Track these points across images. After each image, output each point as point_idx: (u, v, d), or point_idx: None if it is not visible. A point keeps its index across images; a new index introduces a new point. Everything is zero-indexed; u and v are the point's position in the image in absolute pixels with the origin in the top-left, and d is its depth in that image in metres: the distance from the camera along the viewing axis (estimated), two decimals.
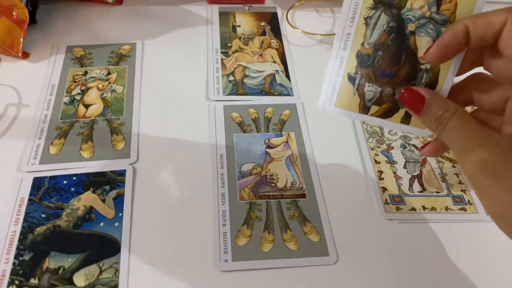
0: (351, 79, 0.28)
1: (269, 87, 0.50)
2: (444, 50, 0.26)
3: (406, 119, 0.28)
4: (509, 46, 0.24)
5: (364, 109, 0.28)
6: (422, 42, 0.27)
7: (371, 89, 0.28)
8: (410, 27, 0.26)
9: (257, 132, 0.46)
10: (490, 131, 0.25)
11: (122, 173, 0.41)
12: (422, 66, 0.28)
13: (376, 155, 0.44)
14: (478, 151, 0.24)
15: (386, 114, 0.28)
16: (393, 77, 0.28)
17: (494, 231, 0.39)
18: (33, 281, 0.34)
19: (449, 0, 0.26)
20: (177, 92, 0.49)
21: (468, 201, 0.41)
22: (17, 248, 0.36)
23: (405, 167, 0.44)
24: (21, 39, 0.50)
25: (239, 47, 0.54)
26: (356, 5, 0.27)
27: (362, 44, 0.27)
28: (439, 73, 0.28)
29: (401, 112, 0.28)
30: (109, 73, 0.50)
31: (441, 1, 0.26)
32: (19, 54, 0.51)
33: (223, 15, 0.58)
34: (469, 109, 0.30)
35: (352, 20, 0.27)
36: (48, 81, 0.49)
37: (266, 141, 0.45)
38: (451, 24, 0.26)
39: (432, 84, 0.28)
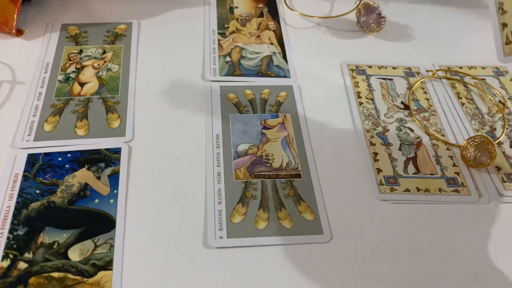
0: None
1: (266, 68, 0.50)
2: None
3: None
4: None
5: None
6: None
7: None
8: None
9: (254, 113, 0.46)
10: None
11: (117, 151, 0.41)
12: None
13: (372, 137, 0.44)
14: None
15: None
16: None
17: (486, 212, 0.40)
18: (28, 255, 0.34)
19: None
20: (173, 72, 0.49)
21: (462, 183, 0.41)
22: (11, 223, 0.36)
23: (400, 149, 0.44)
24: (15, 16, 0.50)
25: (236, 28, 0.54)
26: None
27: None
28: None
29: None
30: (104, 52, 0.50)
31: None
32: (13, 31, 0.50)
33: None
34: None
35: None
36: (43, 59, 0.49)
37: (262, 122, 0.45)
38: None
39: None
